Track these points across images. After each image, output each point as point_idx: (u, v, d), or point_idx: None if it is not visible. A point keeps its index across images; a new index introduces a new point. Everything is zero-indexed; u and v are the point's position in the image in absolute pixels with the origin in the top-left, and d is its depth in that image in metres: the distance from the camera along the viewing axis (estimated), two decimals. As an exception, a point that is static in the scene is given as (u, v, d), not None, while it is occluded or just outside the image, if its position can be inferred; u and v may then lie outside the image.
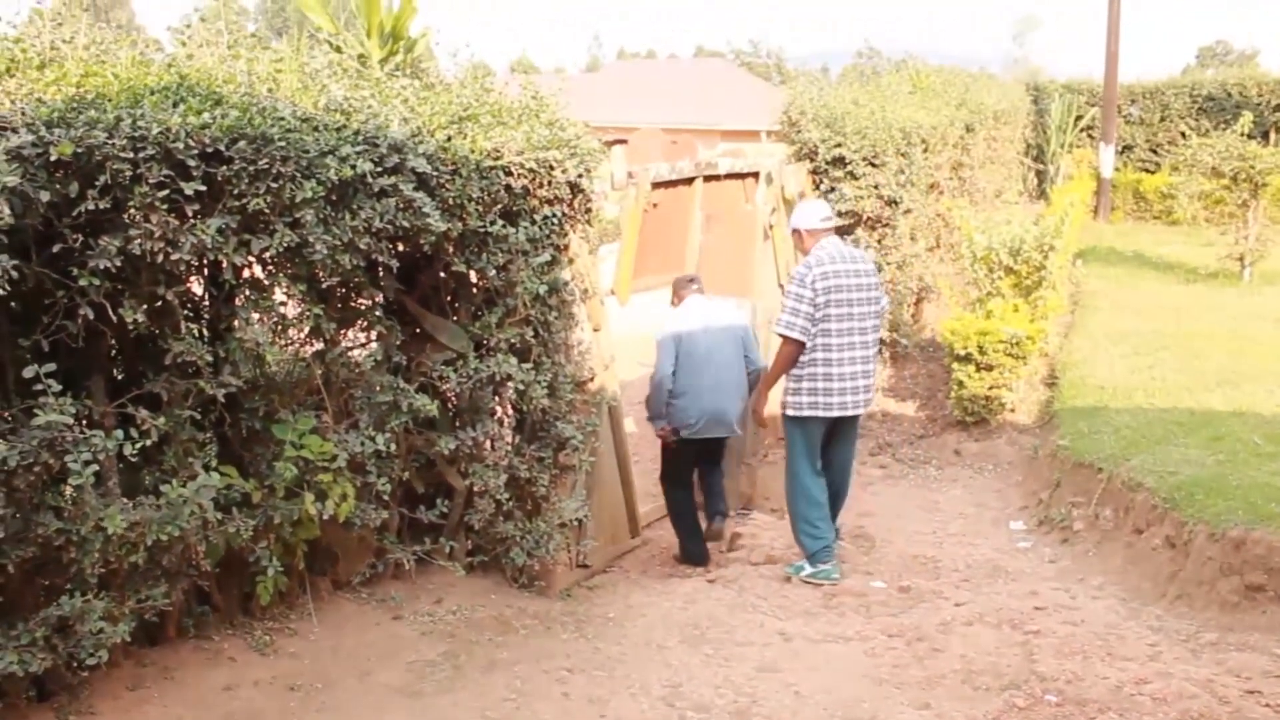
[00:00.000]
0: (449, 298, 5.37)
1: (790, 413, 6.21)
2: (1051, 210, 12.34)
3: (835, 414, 6.14)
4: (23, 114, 3.48)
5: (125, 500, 3.71)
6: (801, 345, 6.03)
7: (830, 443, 6.37)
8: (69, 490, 3.49)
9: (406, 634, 4.78)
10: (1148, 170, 20.17)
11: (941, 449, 9.25)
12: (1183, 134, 18.76)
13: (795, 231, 6.33)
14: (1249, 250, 13.00)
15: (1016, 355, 8.99)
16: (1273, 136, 18.80)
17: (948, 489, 8.45)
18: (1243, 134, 13.17)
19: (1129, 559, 6.37)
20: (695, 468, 7.37)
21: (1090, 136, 20.30)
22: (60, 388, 3.41)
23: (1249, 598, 5.44)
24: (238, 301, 4.24)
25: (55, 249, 3.52)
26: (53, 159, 3.40)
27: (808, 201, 6.80)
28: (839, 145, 9.67)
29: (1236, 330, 10.43)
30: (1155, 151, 20.57)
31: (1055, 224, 9.65)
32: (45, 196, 3.37)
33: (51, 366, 3.41)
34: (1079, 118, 20.22)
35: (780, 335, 6.12)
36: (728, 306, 7.40)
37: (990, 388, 9.12)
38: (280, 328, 4.37)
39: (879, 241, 10.00)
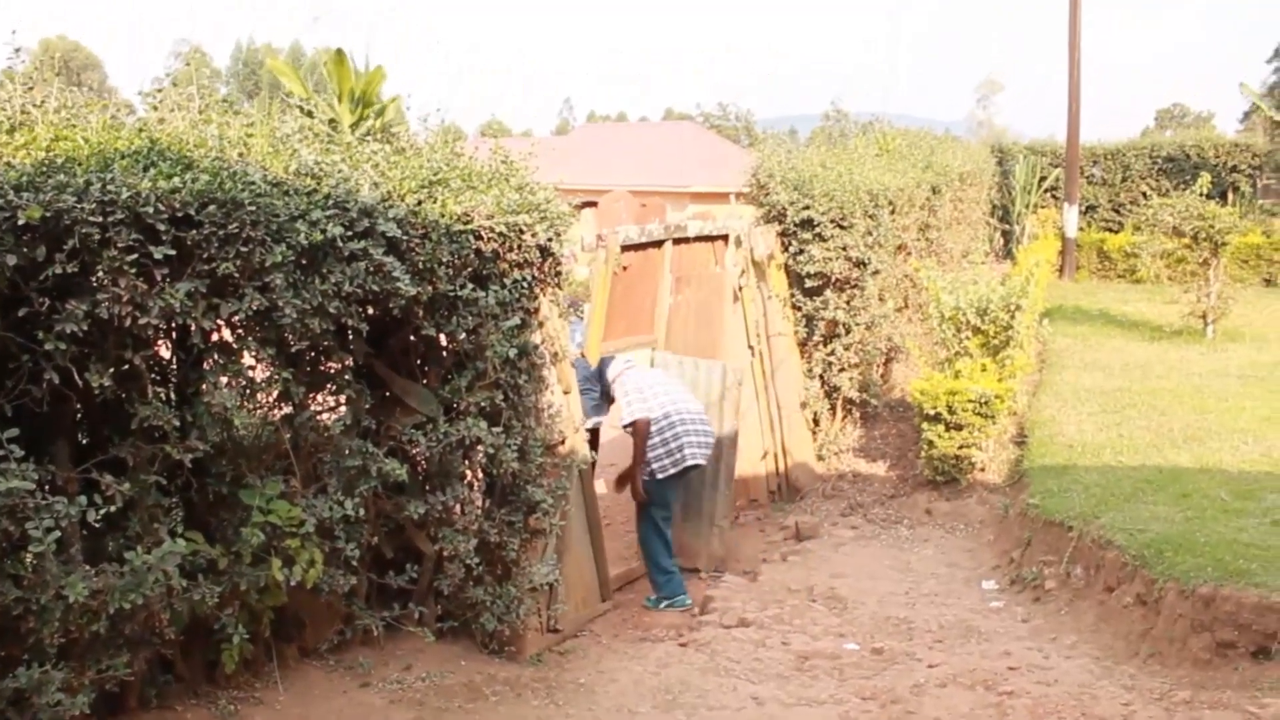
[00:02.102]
0: (419, 361, 5.36)
1: (660, 476, 7.55)
2: (1017, 270, 12.50)
3: (689, 463, 7.54)
4: (-9, 179, 3.47)
5: (88, 567, 3.65)
6: (647, 421, 7.53)
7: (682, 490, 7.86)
8: (29, 558, 3.43)
9: (375, 702, 4.70)
10: (1111, 230, 20.53)
11: (913, 509, 9.26)
12: (1144, 194, 19.13)
13: (615, 379, 7.92)
14: (1211, 308, 13.21)
15: (985, 414, 9.05)
16: (1230, 196, 19.22)
17: (919, 549, 8.45)
18: (1202, 194, 13.44)
19: (1101, 617, 6.38)
20: None
21: (1054, 197, 20.67)
22: (22, 453, 3.36)
23: (1220, 654, 5.46)
24: (206, 365, 4.21)
25: (21, 313, 3.49)
26: (20, 223, 3.39)
27: (615, 360, 8.16)
28: (807, 207, 9.75)
29: (1201, 387, 10.56)
30: (1118, 211, 20.97)
31: (1021, 283, 9.77)
32: (12, 260, 3.36)
33: (14, 431, 3.37)
34: (1043, 178, 20.61)
35: (632, 423, 7.56)
36: None
37: (960, 447, 9.16)
38: (248, 392, 4.34)
39: (848, 302, 10.03)
